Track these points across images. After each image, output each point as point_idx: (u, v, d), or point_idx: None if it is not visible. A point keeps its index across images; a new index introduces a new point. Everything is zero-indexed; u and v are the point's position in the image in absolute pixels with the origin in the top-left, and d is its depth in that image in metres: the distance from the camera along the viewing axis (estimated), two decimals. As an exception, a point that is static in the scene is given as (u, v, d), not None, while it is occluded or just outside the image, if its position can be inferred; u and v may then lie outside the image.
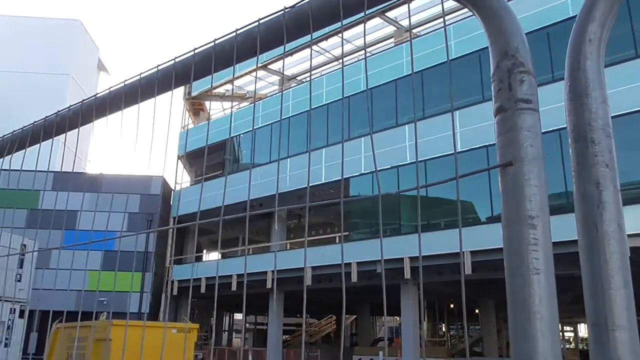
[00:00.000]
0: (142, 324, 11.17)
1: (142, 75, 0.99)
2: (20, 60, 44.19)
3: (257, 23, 0.87)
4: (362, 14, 0.86)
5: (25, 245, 21.93)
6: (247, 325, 46.60)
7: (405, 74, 23.36)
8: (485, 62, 20.59)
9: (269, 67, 30.94)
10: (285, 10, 0.83)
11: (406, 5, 27.83)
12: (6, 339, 20.81)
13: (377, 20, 26.94)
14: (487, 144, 18.11)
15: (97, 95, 1.16)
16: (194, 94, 33.26)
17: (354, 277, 21.36)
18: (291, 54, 29.82)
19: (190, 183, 32.41)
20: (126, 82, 1.05)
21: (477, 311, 32.29)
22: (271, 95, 31.11)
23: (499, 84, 0.69)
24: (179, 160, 32.27)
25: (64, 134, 1.37)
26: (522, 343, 0.59)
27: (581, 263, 0.68)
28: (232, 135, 29.82)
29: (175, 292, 28.07)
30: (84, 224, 27.82)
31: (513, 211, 0.66)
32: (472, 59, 20.58)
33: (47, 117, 1.27)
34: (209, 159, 32.29)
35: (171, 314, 28.35)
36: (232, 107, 35.97)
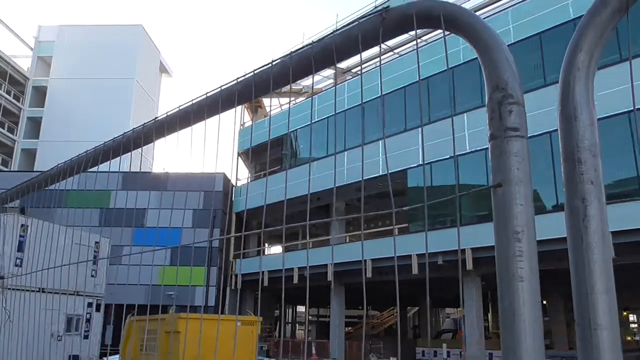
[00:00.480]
0: (208, 317, 11.57)
1: (194, 101, 1.13)
2: (89, 67, 46.50)
3: (289, 56, 0.97)
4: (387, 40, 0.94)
5: (98, 243, 23.19)
6: (310, 317, 47.22)
7: (462, 62, 22.89)
8: (546, 43, 19.82)
9: (323, 61, 31.09)
10: (313, 44, 0.93)
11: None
12: (86, 331, 22.12)
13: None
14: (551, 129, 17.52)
15: (157, 119, 1.30)
16: (251, 91, 33.95)
17: (415, 269, 21.24)
18: (345, 47, 29.83)
19: (250, 179, 33.14)
20: (180, 107, 1.19)
21: (544, 302, 31.32)
22: (326, 90, 31.25)
23: (491, 114, 0.77)
24: (239, 157, 33.08)
25: (128, 153, 1.54)
26: (509, 338, 0.69)
27: (570, 270, 0.75)
28: (289, 131, 30.20)
29: (239, 286, 28.84)
30: (151, 221, 29.09)
31: (502, 226, 0.75)
32: (533, 42, 19.98)
33: (114, 137, 1.44)
34: (267, 155, 32.87)
35: (236, 307, 29.15)
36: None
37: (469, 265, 19.67)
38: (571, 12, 19.19)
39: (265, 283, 26.83)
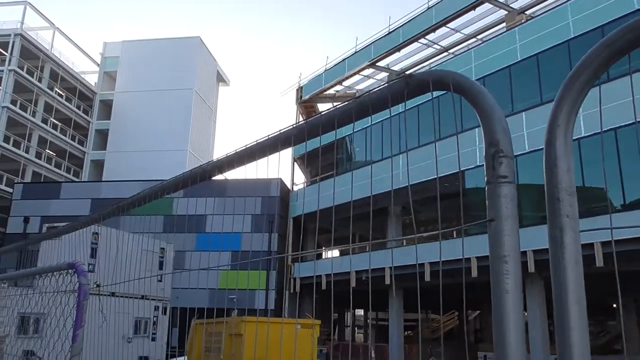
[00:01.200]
0: (270, 320, 11.90)
1: (258, 141, 1.35)
2: (151, 79, 48.52)
3: (335, 108, 1.18)
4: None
5: (163, 249, 24.23)
6: (369, 320, 47.21)
7: (519, 59, 22.48)
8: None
9: (377, 64, 31.14)
10: (354, 100, 1.13)
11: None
12: (153, 333, 23.18)
13: (486, 6, 26.02)
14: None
15: (227, 155, 1.53)
16: (305, 97, 34.36)
17: (474, 272, 20.95)
18: (399, 49, 29.77)
19: (306, 184, 33.59)
20: (247, 146, 1.41)
21: (614, 305, 30.04)
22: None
23: (487, 164, 0.97)
24: (295, 162, 33.61)
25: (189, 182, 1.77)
26: (499, 337, 0.87)
27: (552, 285, 0.92)
28: (341, 136, 30.42)
29: (297, 289, 29.28)
30: (212, 226, 30.09)
31: (494, 251, 0.96)
32: (593, 36, 19.34)
33: (191, 169, 1.67)
34: (323, 159, 33.21)
35: (295, 311, 29.60)
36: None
37: (531, 268, 19.21)
38: (635, 3, 18.46)
39: (323, 287, 27.11)
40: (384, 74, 32.72)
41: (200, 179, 1.65)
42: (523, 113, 20.97)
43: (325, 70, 33.01)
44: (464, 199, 23.35)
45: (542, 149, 0.98)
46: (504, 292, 1.01)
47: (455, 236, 23.85)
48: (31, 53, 42.97)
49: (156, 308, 22.94)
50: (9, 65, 40.69)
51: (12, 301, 4.61)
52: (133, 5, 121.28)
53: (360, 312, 46.26)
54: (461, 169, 22.58)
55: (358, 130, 29.32)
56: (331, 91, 34.38)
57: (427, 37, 28.23)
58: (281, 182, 32.27)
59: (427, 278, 22.48)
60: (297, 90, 34.84)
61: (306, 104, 35.20)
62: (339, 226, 29.96)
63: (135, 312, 21.09)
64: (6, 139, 39.82)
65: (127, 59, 49.93)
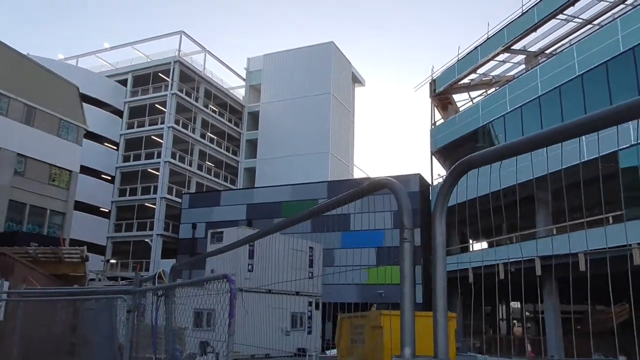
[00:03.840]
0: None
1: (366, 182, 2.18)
2: (291, 87, 51.44)
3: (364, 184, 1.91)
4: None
5: (312, 247, 25.89)
6: (527, 313, 45.17)
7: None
8: None
9: (512, 47, 29.94)
10: (370, 180, 1.86)
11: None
12: (308, 327, 24.94)
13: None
14: None
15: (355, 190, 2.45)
16: (439, 89, 34.10)
17: (637, 260, 19.46)
18: (535, 29, 28.36)
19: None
20: (366, 180, 2.23)
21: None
22: (518, 77, 29.95)
23: (399, 231, 1.59)
24: (434, 156, 33.52)
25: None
26: (401, 314, 1.49)
27: (432, 283, 1.53)
28: (481, 124, 29.73)
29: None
30: (355, 224, 31.31)
31: (401, 274, 1.64)
32: None
33: (323, 202, 2.52)
34: (463, 150, 32.65)
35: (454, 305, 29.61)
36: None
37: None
38: None
39: (471, 279, 26.78)
40: (520, 57, 31.32)
41: (335, 206, 2.58)
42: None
43: (458, 60, 32.47)
44: (615, 183, 21.64)
45: None
46: (404, 293, 2.01)
47: (611, 222, 22.22)
48: (187, 76, 48.05)
49: (309, 303, 24.67)
50: (171, 89, 45.97)
51: (189, 299, 5.79)
52: (269, 19, 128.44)
53: (514, 305, 44.46)
54: (613, 150, 20.99)
55: (496, 118, 28.49)
56: (465, 80, 33.72)
57: (565, 12, 26.55)
58: (420, 177, 32.46)
59: (582, 267, 21.23)
60: (430, 83, 34.67)
61: (441, 96, 34.90)
62: (482, 217, 29.34)
63: (291, 307, 22.94)
64: (173, 155, 45.06)
65: (268, 71, 53.43)
